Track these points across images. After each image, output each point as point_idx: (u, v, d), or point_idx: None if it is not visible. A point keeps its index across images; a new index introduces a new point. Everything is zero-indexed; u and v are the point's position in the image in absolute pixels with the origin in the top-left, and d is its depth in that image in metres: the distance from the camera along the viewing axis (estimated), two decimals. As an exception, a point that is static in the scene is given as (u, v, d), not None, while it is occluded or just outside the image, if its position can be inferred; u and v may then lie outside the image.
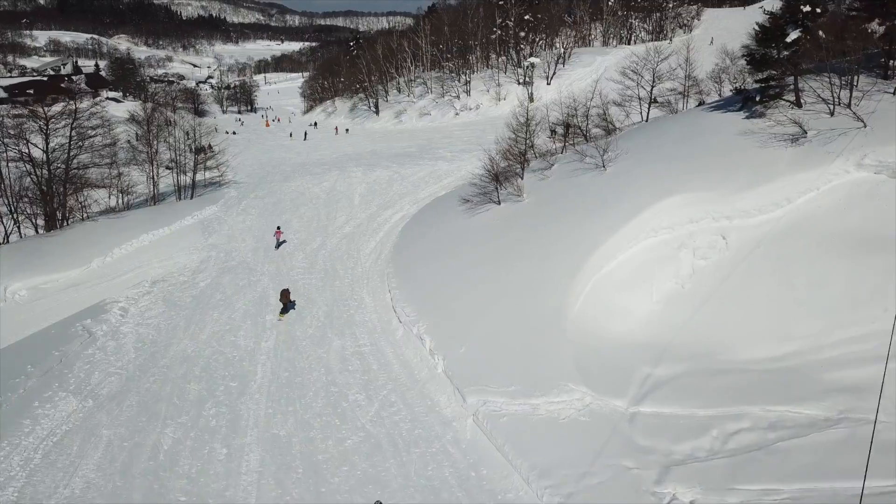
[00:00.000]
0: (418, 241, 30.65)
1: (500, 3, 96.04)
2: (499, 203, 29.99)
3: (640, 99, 40.09)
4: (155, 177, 48.40)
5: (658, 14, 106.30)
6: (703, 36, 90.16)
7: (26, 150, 39.52)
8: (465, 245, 27.41)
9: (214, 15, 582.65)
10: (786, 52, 26.86)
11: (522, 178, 32.50)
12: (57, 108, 40.52)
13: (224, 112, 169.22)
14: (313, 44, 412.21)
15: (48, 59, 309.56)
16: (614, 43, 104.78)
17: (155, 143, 49.04)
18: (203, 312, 25.84)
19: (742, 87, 30.28)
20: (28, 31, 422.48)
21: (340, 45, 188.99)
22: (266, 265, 31.28)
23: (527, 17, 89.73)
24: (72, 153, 40.76)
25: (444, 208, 33.92)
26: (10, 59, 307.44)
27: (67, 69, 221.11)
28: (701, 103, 42.34)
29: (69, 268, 32.54)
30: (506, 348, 19.46)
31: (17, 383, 20.41)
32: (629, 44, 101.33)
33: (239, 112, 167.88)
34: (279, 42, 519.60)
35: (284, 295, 25.58)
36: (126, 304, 27.35)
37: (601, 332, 20.67)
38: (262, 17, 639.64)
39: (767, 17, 28.62)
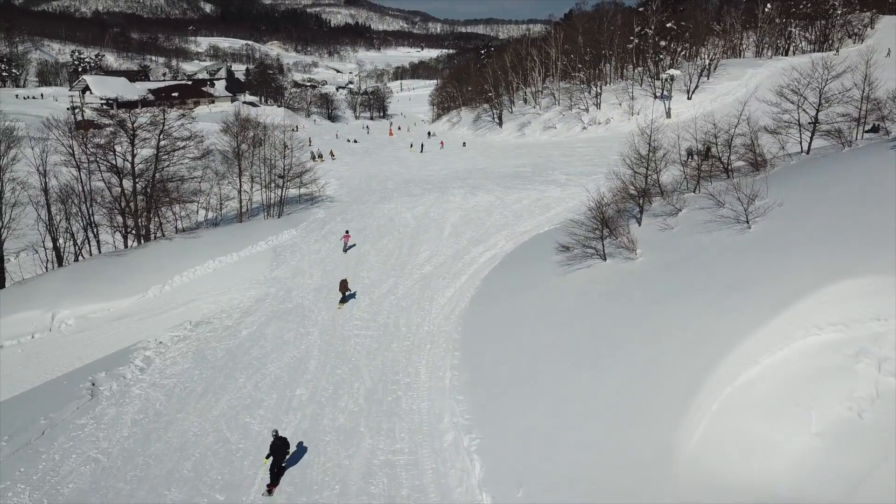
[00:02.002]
0: (498, 301, 24.92)
1: (640, 9, 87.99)
2: (604, 258, 23.64)
3: (800, 125, 31.96)
4: (249, 191, 45.84)
5: (823, 22, 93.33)
6: (878, 47, 77.21)
7: (112, 162, 37.69)
8: (552, 317, 21.34)
9: (361, 23, 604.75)
10: None
11: (640, 224, 25.93)
12: (144, 118, 38.50)
13: (357, 118, 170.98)
14: (450, 51, 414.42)
15: (207, 63, 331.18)
16: (769, 53, 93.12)
17: (249, 153, 46.45)
18: (228, 375, 21.60)
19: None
20: (193, 38, 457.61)
21: (475, 53, 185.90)
22: (322, 312, 26.80)
23: (669, 24, 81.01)
24: (158, 166, 38.71)
25: (539, 254, 27.92)
26: (173, 63, 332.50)
27: (221, 73, 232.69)
28: (875, 129, 33.58)
29: (124, 296, 29.98)
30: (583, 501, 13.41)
31: (-20, 464, 16.95)
32: (786, 55, 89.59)
33: (371, 118, 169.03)
34: (419, 49, 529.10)
35: (343, 285, 27.72)
36: (154, 352, 23.79)
37: (728, 479, 14.06)
38: (405, 25, 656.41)
39: None
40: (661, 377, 15.86)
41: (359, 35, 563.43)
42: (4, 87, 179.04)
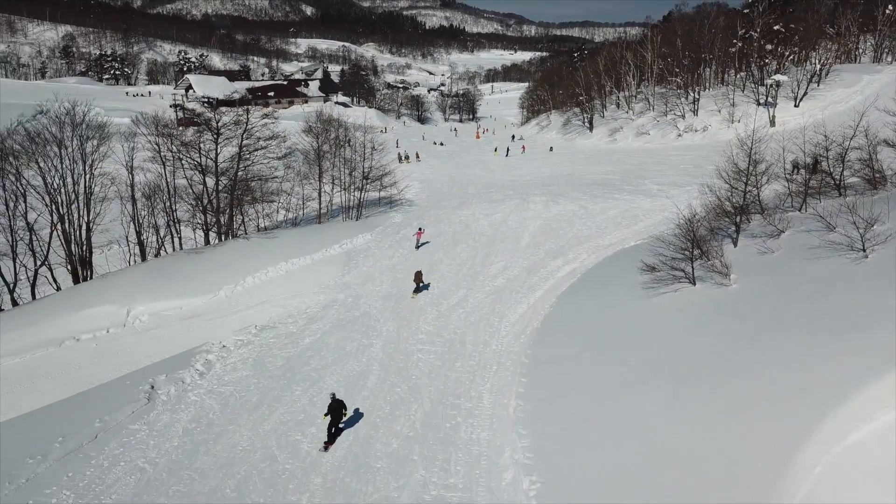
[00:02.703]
0: (573, 323, 23.09)
1: (745, 11, 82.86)
2: (693, 283, 21.40)
3: (928, 138, 28.36)
4: (329, 192, 45.72)
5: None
6: None
7: (197, 160, 38.21)
8: (631, 347, 19.35)
9: (455, 25, 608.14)
10: None
11: (736, 246, 23.48)
12: (227, 118, 38.85)
13: (446, 120, 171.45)
14: (543, 54, 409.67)
15: (304, 63, 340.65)
16: (888, 59, 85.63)
17: (332, 154, 46.27)
18: (285, 387, 20.87)
19: None
20: (293, 40, 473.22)
21: (568, 56, 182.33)
22: (389, 322, 25.79)
23: (777, 27, 75.79)
24: (240, 164, 38.98)
25: (622, 273, 25.82)
26: (273, 63, 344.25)
27: (318, 74, 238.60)
28: None
29: (197, 294, 30.08)
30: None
31: (31, 465, 16.77)
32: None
33: (460, 120, 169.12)
34: (512, 51, 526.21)
35: (418, 276, 29.04)
36: (216, 356, 23.46)
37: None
38: (499, 28, 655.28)
39: None
40: (756, 429, 13.75)
41: (453, 37, 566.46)
42: (117, 84, 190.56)
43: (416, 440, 17.57)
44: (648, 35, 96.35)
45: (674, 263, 22.10)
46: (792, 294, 18.01)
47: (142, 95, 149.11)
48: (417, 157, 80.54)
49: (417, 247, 36.23)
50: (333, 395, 18.14)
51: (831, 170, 27.16)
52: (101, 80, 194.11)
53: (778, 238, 22.30)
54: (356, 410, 19.10)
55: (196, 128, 39.72)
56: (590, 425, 16.21)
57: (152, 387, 21.00)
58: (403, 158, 76.97)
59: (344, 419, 18.09)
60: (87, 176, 34.52)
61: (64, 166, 33.41)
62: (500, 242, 35.44)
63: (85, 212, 34.34)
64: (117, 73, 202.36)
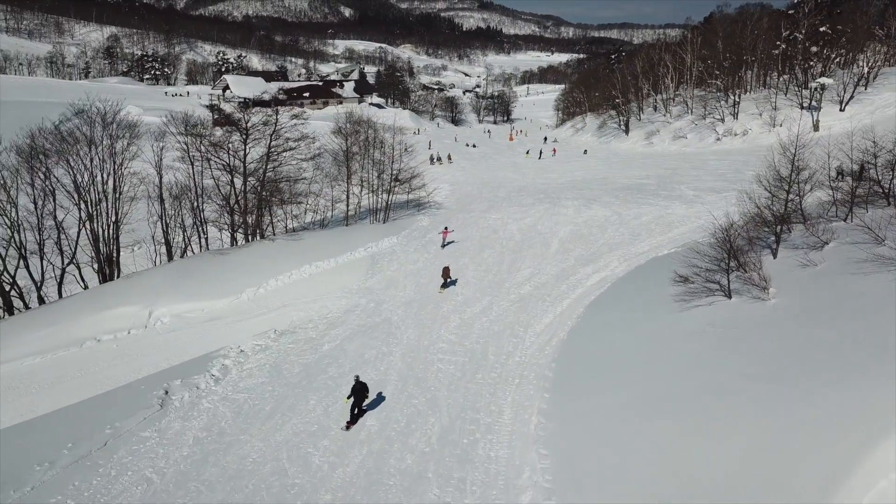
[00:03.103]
0: (601, 336, 22.02)
1: (790, 12, 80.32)
2: (729, 296, 20.24)
3: None
4: (358, 194, 45.31)
5: None
6: None
7: (225, 161, 38.02)
8: (662, 364, 18.27)
9: (492, 27, 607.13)
10: None
11: (776, 257, 22.22)
12: (256, 118, 38.59)
13: (480, 122, 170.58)
14: (581, 56, 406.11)
15: (341, 65, 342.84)
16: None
17: (361, 156, 45.85)
18: (300, 395, 20.28)
19: None
20: (331, 41, 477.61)
21: (605, 58, 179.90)
22: (410, 330, 25.04)
23: (823, 28, 73.24)
24: (268, 165, 38.70)
25: (654, 283, 24.70)
26: (310, 64, 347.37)
27: (354, 75, 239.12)
28: None
29: (220, 296, 29.81)
30: None
31: (38, 472, 16.42)
32: (963, 62, 78.62)
33: (494, 122, 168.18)
34: (549, 53, 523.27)
35: (445, 272, 29.34)
36: (234, 361, 23.04)
37: None
38: (537, 29, 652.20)
39: None
40: (793, 458, 12.67)
41: (490, 39, 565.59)
42: (157, 84, 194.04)
43: (432, 456, 16.78)
44: (688, 36, 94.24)
45: (708, 275, 20.99)
46: (836, 311, 16.79)
47: (180, 95, 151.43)
48: (449, 158, 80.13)
49: (443, 246, 36.14)
50: (357, 377, 18.67)
51: (880, 177, 25.64)
52: (141, 80, 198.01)
53: (821, 250, 21.00)
54: (379, 394, 19.79)
55: (225, 128, 39.52)
56: (615, 448, 15.23)
57: (166, 392, 20.62)
58: (435, 160, 76.64)
59: (366, 402, 18.85)
60: (117, 175, 34.59)
61: (93, 165, 33.51)
62: (529, 248, 34.48)
63: (113, 211, 34.40)
64: (157, 73, 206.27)
